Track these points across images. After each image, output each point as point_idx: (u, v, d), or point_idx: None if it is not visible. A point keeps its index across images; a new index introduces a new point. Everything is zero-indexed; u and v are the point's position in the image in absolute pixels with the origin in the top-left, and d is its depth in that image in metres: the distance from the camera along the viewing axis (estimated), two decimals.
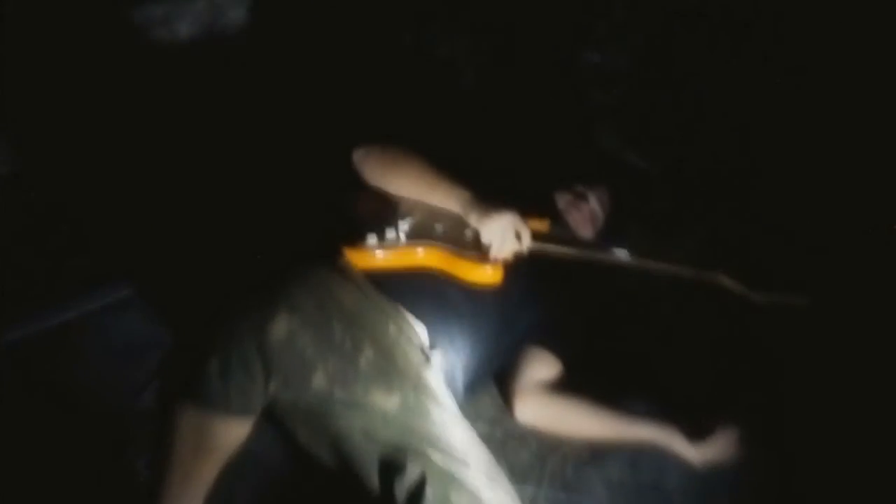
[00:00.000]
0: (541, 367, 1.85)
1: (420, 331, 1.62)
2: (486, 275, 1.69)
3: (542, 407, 1.81)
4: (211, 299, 1.38)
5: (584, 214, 2.02)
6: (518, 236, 1.68)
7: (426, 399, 1.51)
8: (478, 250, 1.69)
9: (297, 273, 1.43)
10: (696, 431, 1.75)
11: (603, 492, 1.71)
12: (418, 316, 1.63)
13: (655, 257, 1.78)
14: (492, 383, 1.91)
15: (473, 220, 1.66)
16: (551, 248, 1.77)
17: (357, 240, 1.67)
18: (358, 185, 1.80)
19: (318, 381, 1.37)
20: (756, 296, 1.69)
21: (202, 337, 1.29)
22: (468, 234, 1.72)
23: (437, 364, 1.62)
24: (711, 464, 1.71)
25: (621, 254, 1.78)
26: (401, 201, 1.78)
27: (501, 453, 1.76)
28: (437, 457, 1.44)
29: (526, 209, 1.90)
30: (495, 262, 1.69)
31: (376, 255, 1.67)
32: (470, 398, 1.79)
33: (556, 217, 1.95)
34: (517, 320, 1.80)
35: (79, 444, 1.62)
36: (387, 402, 1.45)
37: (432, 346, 1.62)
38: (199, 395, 1.28)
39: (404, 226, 1.72)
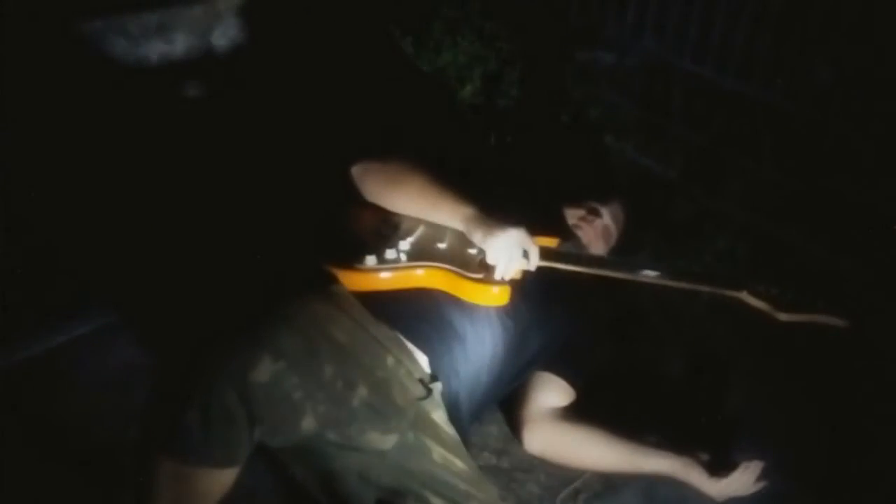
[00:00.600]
0: (550, 394, 1.75)
1: (421, 360, 1.52)
2: (492, 296, 1.58)
3: (552, 436, 1.70)
4: (196, 328, 1.27)
5: (597, 230, 1.92)
6: (525, 254, 1.58)
7: (426, 437, 1.41)
8: (483, 270, 1.59)
9: (284, 310, 1.32)
10: (715, 463, 1.64)
11: None
12: (419, 343, 1.53)
13: (675, 273, 1.66)
14: (497, 411, 1.81)
15: (478, 239, 1.56)
16: (562, 266, 1.66)
17: (354, 260, 1.57)
18: (356, 201, 1.70)
19: (308, 424, 1.27)
20: (783, 316, 1.58)
21: (181, 386, 1.18)
22: (473, 252, 1.61)
23: (440, 396, 1.51)
24: (731, 497, 1.60)
25: (638, 270, 1.66)
26: (401, 218, 1.68)
27: (508, 486, 1.67)
28: (437, 501, 1.35)
29: (535, 226, 1.81)
30: (502, 282, 1.58)
31: (375, 276, 1.57)
32: (475, 428, 1.69)
33: (567, 233, 1.85)
34: (525, 344, 1.70)
35: (65, 480, 1.54)
36: (384, 442, 1.36)
37: (434, 376, 1.52)
38: (178, 450, 1.17)
39: (405, 245, 1.62)
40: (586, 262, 1.67)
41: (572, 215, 1.95)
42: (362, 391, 1.34)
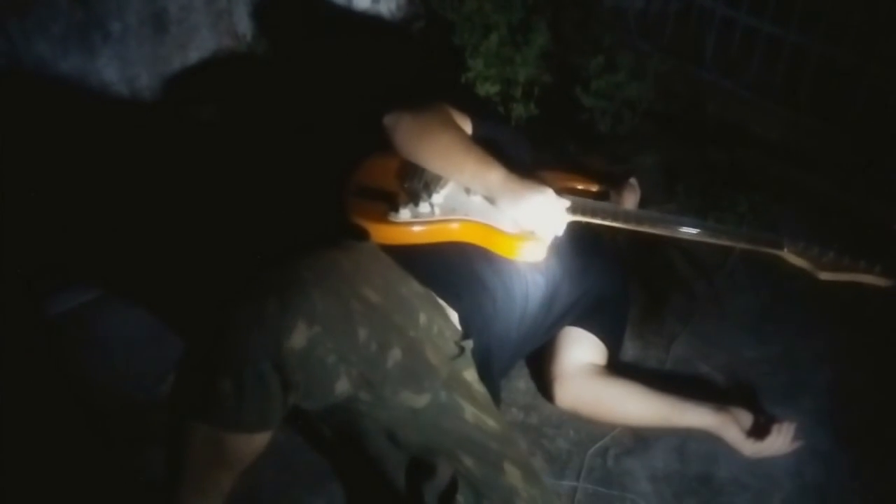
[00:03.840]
0: (582, 349, 1.73)
1: (452, 317, 1.49)
2: (527, 251, 1.54)
3: (583, 390, 1.68)
4: (226, 289, 1.23)
5: (630, 185, 1.87)
6: (556, 214, 1.53)
7: (458, 396, 1.39)
8: (518, 225, 1.55)
9: (315, 271, 1.27)
10: (752, 421, 1.63)
11: (647, 486, 1.59)
12: (450, 299, 1.50)
13: (714, 230, 1.62)
14: (525, 367, 1.80)
15: (505, 205, 1.51)
16: (598, 221, 1.61)
17: (386, 214, 1.53)
18: (387, 154, 1.65)
19: (342, 387, 1.24)
20: (824, 275, 1.54)
21: (214, 353, 1.15)
22: None
23: (471, 353, 1.49)
24: (766, 458, 1.59)
25: (677, 226, 1.62)
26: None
27: (537, 442, 1.66)
28: (468, 461, 1.33)
29: (567, 176, 1.77)
30: (537, 237, 1.55)
31: (407, 230, 1.53)
32: (503, 383, 1.67)
33: (599, 185, 1.80)
34: (556, 299, 1.67)
35: (93, 437, 1.54)
36: (416, 402, 1.34)
37: (466, 333, 1.49)
38: (212, 418, 1.15)
39: (437, 198, 1.57)
40: (623, 218, 1.62)
41: (600, 166, 1.90)
42: (396, 353, 1.31)
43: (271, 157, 1.95)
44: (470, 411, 1.40)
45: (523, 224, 1.53)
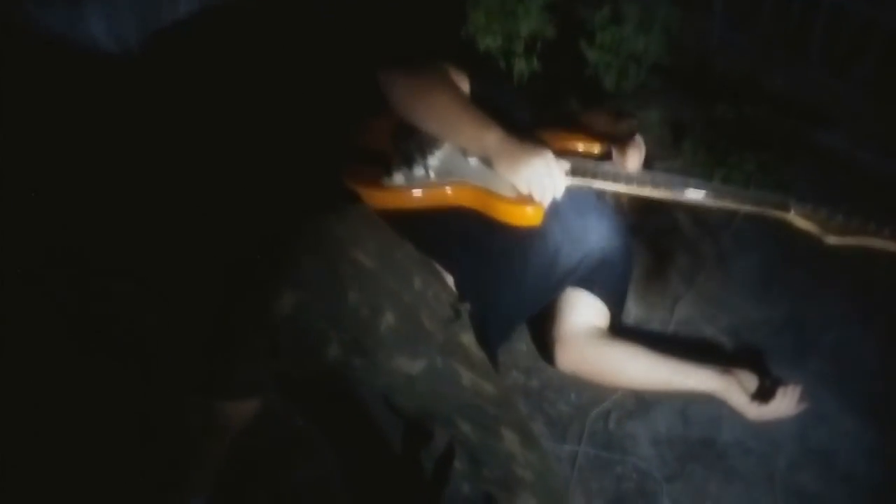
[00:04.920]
0: (583, 312, 1.70)
1: (449, 281, 1.46)
2: (526, 216, 1.51)
3: (585, 353, 1.66)
4: (213, 254, 1.21)
5: (634, 142, 1.81)
6: (554, 179, 1.49)
7: (455, 361, 1.37)
8: (516, 189, 1.51)
9: (305, 235, 1.25)
10: (756, 383, 1.60)
11: (649, 450, 1.57)
12: (446, 263, 1.47)
13: (719, 191, 1.57)
14: (526, 329, 1.77)
15: (502, 169, 1.47)
16: (597, 184, 1.57)
17: (380, 177, 1.49)
18: (381, 113, 1.60)
19: (334, 352, 1.22)
20: (832, 239, 1.49)
21: (201, 321, 1.13)
22: None
23: (468, 317, 1.46)
24: (770, 421, 1.56)
25: (681, 188, 1.57)
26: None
27: (538, 406, 1.65)
28: (465, 427, 1.32)
29: (567, 135, 1.72)
30: (536, 201, 1.51)
31: (401, 194, 1.50)
32: (503, 346, 1.65)
33: (602, 143, 1.75)
34: (556, 261, 1.63)
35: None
36: (412, 367, 1.32)
37: (463, 296, 1.47)
38: (201, 386, 1.14)
39: (433, 160, 1.53)
40: (625, 180, 1.58)
41: (604, 122, 1.84)
42: (389, 317, 1.29)
43: (264, 117, 1.90)
44: (467, 377, 1.38)
45: (521, 188, 1.49)
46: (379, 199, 1.49)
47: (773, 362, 1.74)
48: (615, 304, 1.73)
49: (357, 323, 1.23)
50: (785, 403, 1.54)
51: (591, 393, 1.66)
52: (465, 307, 1.46)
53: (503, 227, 1.52)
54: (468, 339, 1.45)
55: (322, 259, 1.22)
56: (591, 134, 1.78)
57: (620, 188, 1.57)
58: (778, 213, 1.54)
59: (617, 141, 1.79)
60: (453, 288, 1.48)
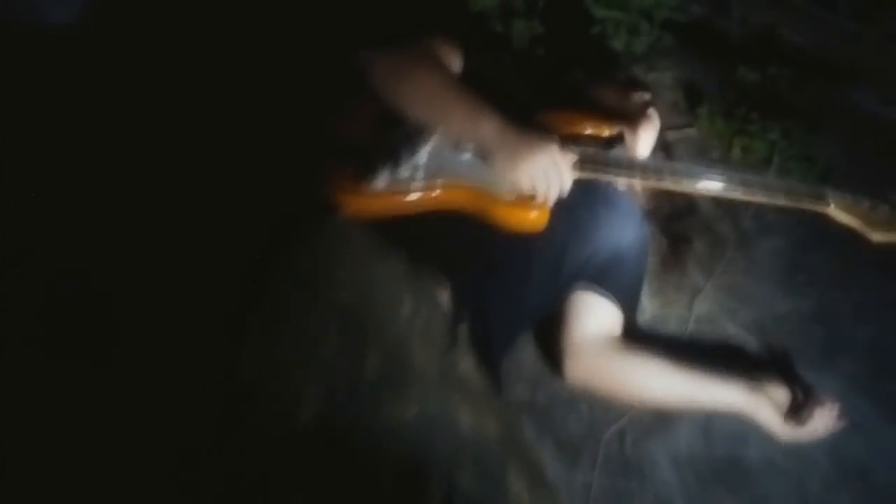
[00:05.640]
0: (594, 316, 1.52)
1: (443, 297, 1.28)
2: (529, 221, 1.33)
3: (597, 365, 1.49)
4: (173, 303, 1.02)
5: (648, 117, 1.61)
6: (561, 175, 1.30)
7: (452, 400, 1.19)
8: (516, 188, 1.32)
9: (273, 272, 1.07)
10: (790, 398, 1.44)
11: (670, 474, 1.42)
12: (440, 276, 1.29)
13: (746, 182, 1.38)
14: (530, 335, 1.59)
15: (500, 165, 1.28)
16: (608, 176, 1.38)
17: (360, 181, 1.29)
18: (360, 103, 1.40)
19: (307, 412, 1.05)
20: (877, 236, 1.31)
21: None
22: None
23: (466, 337, 1.29)
24: (802, 441, 1.41)
25: (701, 177, 1.38)
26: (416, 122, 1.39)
27: (546, 426, 1.48)
28: (466, 478, 1.14)
29: (573, 117, 1.52)
30: (541, 204, 1.32)
31: (385, 199, 1.31)
32: (507, 356, 1.48)
33: (610, 122, 1.54)
34: (563, 261, 1.46)
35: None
36: (402, 414, 1.14)
37: (460, 313, 1.29)
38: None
39: (421, 157, 1.34)
40: (640, 171, 1.38)
41: (614, 96, 1.63)
42: (374, 360, 1.11)
43: (222, 106, 1.67)
44: (466, 417, 1.21)
45: (522, 187, 1.30)
46: (360, 205, 1.30)
47: (803, 362, 1.58)
48: (629, 305, 1.55)
49: (336, 375, 1.05)
50: (821, 424, 1.38)
51: (603, 408, 1.50)
52: (463, 327, 1.28)
53: (503, 232, 1.33)
54: (467, 365, 1.27)
55: (292, 301, 1.03)
56: (600, 113, 1.57)
57: (636, 181, 1.38)
58: (815, 207, 1.37)
59: (629, 118, 1.59)
60: (449, 304, 1.29)
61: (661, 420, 1.49)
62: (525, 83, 1.59)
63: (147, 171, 1.54)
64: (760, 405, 1.40)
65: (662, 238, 1.78)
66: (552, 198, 1.32)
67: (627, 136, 1.56)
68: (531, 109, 1.50)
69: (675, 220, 1.82)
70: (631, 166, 1.38)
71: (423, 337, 1.21)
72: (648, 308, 1.67)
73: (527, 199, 1.31)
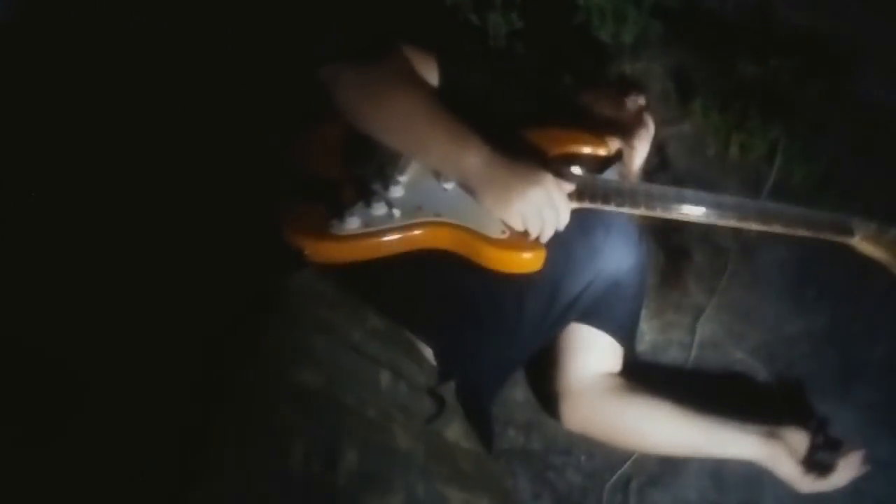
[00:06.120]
0: (590, 355, 1.38)
1: (426, 353, 1.12)
2: (522, 263, 1.17)
3: (595, 412, 1.35)
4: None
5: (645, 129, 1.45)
6: (557, 211, 1.14)
7: (441, 479, 1.05)
8: (507, 226, 1.16)
9: (227, 365, 0.90)
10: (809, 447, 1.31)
11: None
12: (421, 331, 1.13)
13: (762, 212, 1.23)
14: (522, 375, 1.45)
15: (489, 202, 1.12)
16: (609, 208, 1.23)
17: (327, 223, 1.12)
18: (323, 131, 1.22)
19: None
20: None
21: None
22: None
23: (453, 398, 1.13)
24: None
25: (712, 205, 1.23)
26: (388, 149, 1.21)
27: (542, 476, 1.36)
28: None
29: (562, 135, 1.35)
30: (535, 244, 1.16)
31: (357, 244, 1.13)
32: (496, 401, 1.33)
33: (602, 139, 1.38)
34: (558, 295, 1.30)
35: None
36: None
37: (445, 371, 1.13)
38: None
39: (396, 191, 1.17)
40: (644, 199, 1.23)
41: (607, 104, 1.47)
42: (349, 458, 0.95)
43: (161, 128, 1.43)
44: (456, 498, 1.06)
45: (514, 225, 1.14)
46: (328, 252, 1.13)
47: (817, 393, 1.45)
48: (627, 337, 1.41)
49: (307, 483, 0.89)
50: (844, 476, 1.26)
51: (605, 453, 1.37)
52: (449, 388, 1.12)
53: (492, 273, 1.17)
54: (455, 430, 1.12)
55: (250, 403, 0.87)
56: (593, 125, 1.41)
57: (641, 212, 1.23)
58: (837, 238, 1.22)
59: (624, 128, 1.43)
60: (431, 360, 1.14)
61: (667, 465, 1.37)
62: (509, 92, 1.42)
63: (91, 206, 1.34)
64: (778, 456, 1.27)
65: (659, 252, 1.63)
66: (547, 236, 1.16)
67: (626, 152, 1.40)
68: (518, 124, 1.34)
69: (672, 231, 1.67)
70: (634, 195, 1.22)
71: (405, 411, 1.06)
72: (647, 333, 1.53)
73: (519, 239, 1.15)
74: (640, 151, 1.41)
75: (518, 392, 1.43)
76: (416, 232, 1.15)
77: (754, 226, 1.22)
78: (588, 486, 1.34)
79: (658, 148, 1.80)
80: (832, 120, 1.80)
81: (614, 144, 1.39)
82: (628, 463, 1.36)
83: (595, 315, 1.37)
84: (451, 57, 1.33)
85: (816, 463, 1.27)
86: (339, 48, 1.23)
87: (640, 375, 1.38)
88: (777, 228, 1.22)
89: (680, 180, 1.72)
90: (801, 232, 1.22)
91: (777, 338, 1.53)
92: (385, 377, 1.04)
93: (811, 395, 1.44)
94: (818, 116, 1.81)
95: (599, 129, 1.41)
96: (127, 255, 1.29)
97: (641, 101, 1.48)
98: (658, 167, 1.71)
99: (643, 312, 1.50)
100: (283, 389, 0.92)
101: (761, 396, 1.43)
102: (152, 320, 1.21)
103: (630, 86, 1.54)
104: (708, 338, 1.53)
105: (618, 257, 1.37)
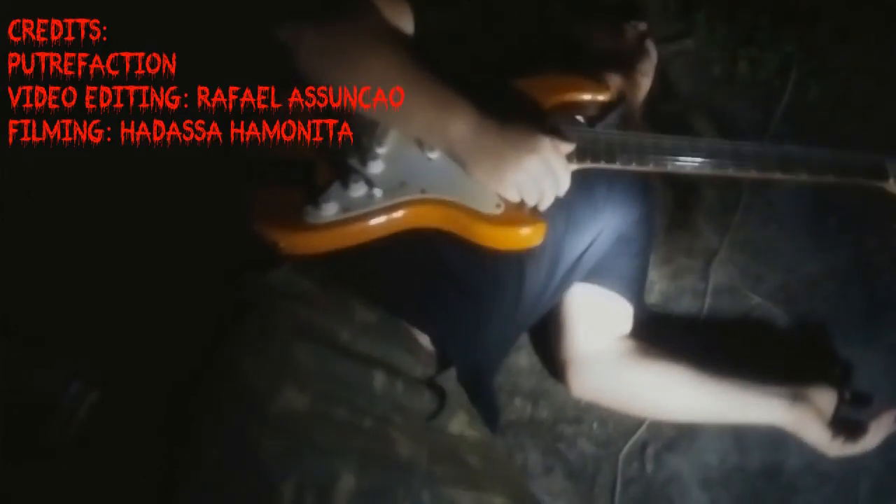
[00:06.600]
0: (598, 316, 1.28)
1: (422, 340, 1.02)
2: (521, 239, 1.05)
3: (607, 380, 1.26)
4: None
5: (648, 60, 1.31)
6: (556, 178, 1.02)
7: (448, 482, 0.96)
8: (502, 200, 1.03)
9: (205, 390, 0.81)
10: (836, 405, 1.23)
11: (700, 495, 1.23)
12: (416, 319, 1.02)
13: (784, 159, 1.11)
14: (527, 338, 1.35)
15: (480, 174, 1.00)
16: (616, 166, 1.10)
17: (300, 211, 1.00)
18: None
19: None
20: None
21: None
22: None
23: (455, 385, 1.04)
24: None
25: (728, 156, 1.11)
26: (364, 119, 1.07)
27: (553, 449, 1.28)
28: None
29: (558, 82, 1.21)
30: (534, 217, 1.04)
31: (336, 232, 1.01)
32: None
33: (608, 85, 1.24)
34: (560, 259, 1.20)
35: None
36: None
37: (444, 358, 1.03)
38: None
39: (376, 166, 1.04)
40: (653, 157, 1.09)
41: (606, 37, 1.32)
42: (346, 481, 0.86)
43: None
44: (467, 501, 0.98)
45: (509, 197, 1.02)
46: (305, 243, 1.01)
47: (842, 337, 1.36)
48: (636, 295, 1.31)
49: None
50: (876, 437, 1.18)
51: (617, 418, 1.29)
52: (450, 376, 1.03)
53: (489, 249, 1.06)
54: (459, 423, 1.03)
55: (228, 451, 0.77)
56: (593, 64, 1.26)
57: (651, 169, 1.10)
58: (870, 181, 1.10)
59: (626, 63, 1.29)
60: (429, 346, 1.04)
61: (683, 429, 1.29)
62: (494, 31, 1.26)
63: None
64: (804, 420, 1.18)
65: (667, 191, 1.51)
66: (547, 205, 1.04)
67: (629, 90, 1.26)
68: (507, 68, 1.19)
69: None
70: (642, 151, 1.09)
71: (403, 412, 0.96)
72: (658, 282, 1.43)
73: (516, 212, 1.03)
74: (643, 86, 1.28)
75: (522, 358, 1.34)
76: (401, 212, 1.03)
77: (778, 175, 1.10)
78: (602, 455, 1.27)
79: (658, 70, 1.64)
80: (853, 26, 1.64)
81: (615, 84, 1.24)
82: (643, 428, 1.28)
83: (600, 273, 1.27)
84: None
85: (844, 422, 1.19)
86: (298, 2, 1.07)
87: (652, 329, 1.29)
88: (802, 176, 1.09)
89: (683, 108, 1.58)
90: (829, 178, 1.09)
91: (797, 278, 1.43)
92: (379, 378, 0.95)
93: (835, 339, 1.35)
94: (837, 23, 1.64)
95: (598, 65, 1.26)
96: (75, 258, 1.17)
97: (642, 26, 1.33)
98: (660, 96, 1.56)
99: (652, 258, 1.39)
100: (264, 422, 0.82)
101: (782, 344, 1.34)
102: (108, 340, 1.09)
103: (628, 9, 1.37)
104: (723, 283, 1.42)
105: (623, 210, 1.26)
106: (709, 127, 1.60)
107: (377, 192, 1.02)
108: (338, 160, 1.03)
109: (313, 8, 1.06)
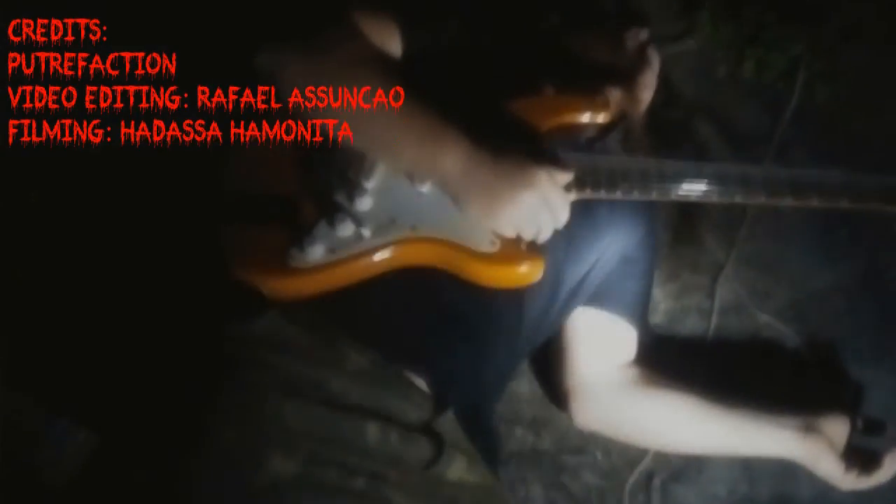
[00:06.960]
0: (601, 343, 1.23)
1: (417, 383, 0.97)
2: (519, 276, 1.00)
3: (612, 409, 1.22)
4: None
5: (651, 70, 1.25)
6: (555, 213, 0.96)
7: None
8: (498, 237, 0.98)
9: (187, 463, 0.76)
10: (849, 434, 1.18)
11: None
12: (409, 363, 0.98)
13: (790, 179, 1.05)
14: (526, 367, 1.31)
15: (475, 212, 0.95)
16: (617, 196, 1.05)
17: (286, 252, 0.95)
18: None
19: None
20: None
21: None
22: None
23: (452, 427, 0.99)
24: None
25: (728, 179, 1.05)
26: (350, 151, 1.01)
27: (555, 481, 1.23)
28: None
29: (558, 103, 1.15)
30: (532, 253, 0.99)
31: (323, 275, 0.96)
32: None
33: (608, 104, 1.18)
34: (560, 286, 1.15)
35: None
36: None
37: (440, 401, 0.98)
38: None
39: (363, 203, 0.98)
40: (657, 186, 1.04)
41: (605, 49, 1.26)
42: None
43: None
44: None
45: (506, 234, 0.97)
46: (290, 289, 0.96)
47: (852, 358, 1.31)
48: (640, 317, 1.26)
49: None
50: (890, 469, 1.14)
51: (622, 447, 1.25)
52: (446, 420, 0.98)
53: (485, 288, 1.01)
54: (458, 469, 0.98)
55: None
56: (591, 79, 1.20)
57: (654, 197, 1.04)
58: (886, 209, 1.05)
59: (627, 76, 1.23)
60: (424, 388, 0.99)
61: (692, 457, 1.24)
62: (486, 47, 1.20)
63: None
64: (818, 452, 1.14)
65: (670, 204, 1.45)
66: (545, 239, 0.99)
67: (630, 106, 1.20)
68: (501, 87, 1.13)
69: None
70: (645, 178, 1.03)
71: (399, 465, 0.92)
72: (662, 300, 1.38)
73: (512, 249, 0.98)
74: (645, 99, 1.22)
75: (522, 384, 1.29)
76: (392, 251, 0.97)
77: (789, 202, 1.04)
78: (606, 486, 1.23)
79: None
80: (864, 23, 1.57)
81: (616, 100, 1.18)
82: (648, 458, 1.24)
83: (604, 297, 1.22)
84: (414, 15, 1.10)
85: (858, 451, 1.14)
86: (278, 27, 1.01)
87: (658, 351, 1.24)
88: (814, 202, 1.04)
89: (686, 114, 1.52)
90: (843, 204, 1.04)
91: (806, 295, 1.38)
92: (372, 430, 0.90)
93: (846, 358, 1.30)
94: (845, 21, 1.57)
95: (597, 80, 1.20)
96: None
97: (643, 34, 1.26)
98: (662, 102, 1.50)
99: (656, 276, 1.34)
100: (252, 497, 0.78)
101: (791, 366, 1.29)
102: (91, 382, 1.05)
103: (628, 18, 1.31)
104: (729, 300, 1.37)
105: (626, 230, 1.20)
106: (713, 133, 1.54)
107: (365, 232, 0.96)
108: (323, 196, 0.98)
109: (297, 33, 1.00)
